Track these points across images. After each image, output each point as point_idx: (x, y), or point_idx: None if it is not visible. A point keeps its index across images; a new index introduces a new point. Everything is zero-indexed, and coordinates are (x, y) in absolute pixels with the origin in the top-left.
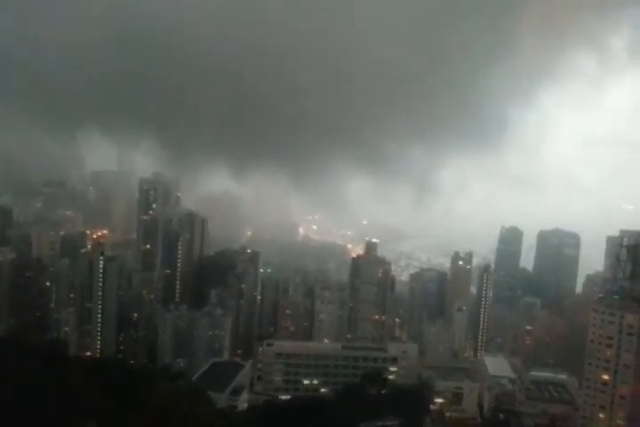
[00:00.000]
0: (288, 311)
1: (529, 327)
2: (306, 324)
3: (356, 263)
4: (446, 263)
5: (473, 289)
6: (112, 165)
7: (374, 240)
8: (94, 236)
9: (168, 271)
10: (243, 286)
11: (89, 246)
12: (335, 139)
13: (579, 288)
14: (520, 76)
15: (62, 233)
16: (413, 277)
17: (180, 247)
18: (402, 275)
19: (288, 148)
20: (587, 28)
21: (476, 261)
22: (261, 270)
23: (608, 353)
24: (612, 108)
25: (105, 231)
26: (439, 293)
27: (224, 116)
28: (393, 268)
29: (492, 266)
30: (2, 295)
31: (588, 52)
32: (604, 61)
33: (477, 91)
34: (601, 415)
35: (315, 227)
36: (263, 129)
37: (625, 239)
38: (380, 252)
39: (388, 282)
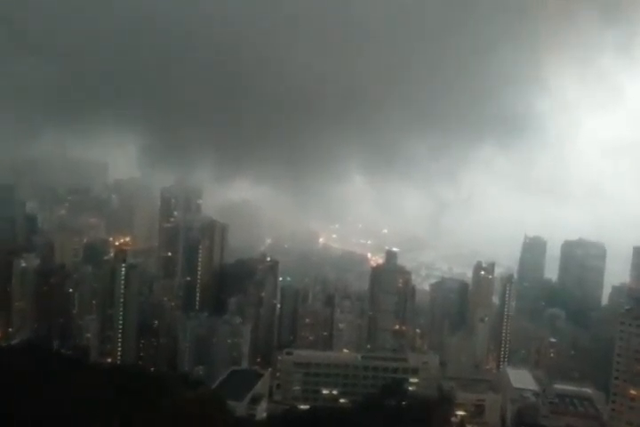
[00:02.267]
0: (307, 320)
1: (553, 340)
2: (325, 333)
3: (376, 273)
4: (468, 273)
5: (495, 300)
6: (134, 172)
7: (394, 249)
8: (117, 243)
9: (189, 279)
10: (262, 294)
11: (111, 254)
12: (343, 134)
13: (604, 300)
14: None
15: (85, 240)
16: (434, 286)
17: (200, 255)
18: (422, 284)
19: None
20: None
21: (498, 271)
22: (281, 279)
23: (637, 367)
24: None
25: (127, 239)
26: (460, 303)
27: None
28: (413, 277)
29: (515, 276)
30: (26, 301)
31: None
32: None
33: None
34: None
35: (334, 236)
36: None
37: None
38: (401, 261)
39: (408, 292)
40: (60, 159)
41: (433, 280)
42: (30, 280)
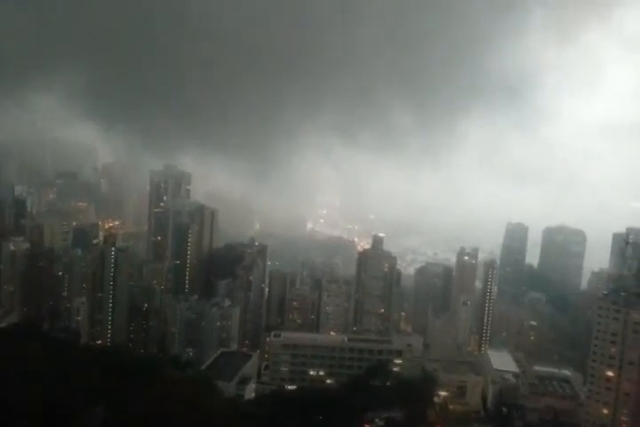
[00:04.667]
0: (295, 304)
1: (533, 323)
2: (312, 316)
3: (363, 257)
4: (452, 258)
5: (478, 284)
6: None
7: (381, 235)
8: (106, 227)
9: (178, 262)
10: (251, 278)
11: (101, 237)
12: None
13: (584, 285)
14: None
15: (74, 224)
16: (419, 271)
17: (189, 239)
18: (408, 269)
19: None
20: None
21: (481, 256)
22: (269, 263)
23: (613, 350)
24: (620, 94)
25: (117, 222)
26: (444, 287)
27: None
28: (399, 262)
29: (498, 261)
30: (15, 284)
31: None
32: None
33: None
34: (605, 411)
35: (322, 221)
36: None
37: (631, 237)
38: (387, 246)
39: (393, 276)
40: (48, 142)
41: (418, 265)
42: (19, 263)
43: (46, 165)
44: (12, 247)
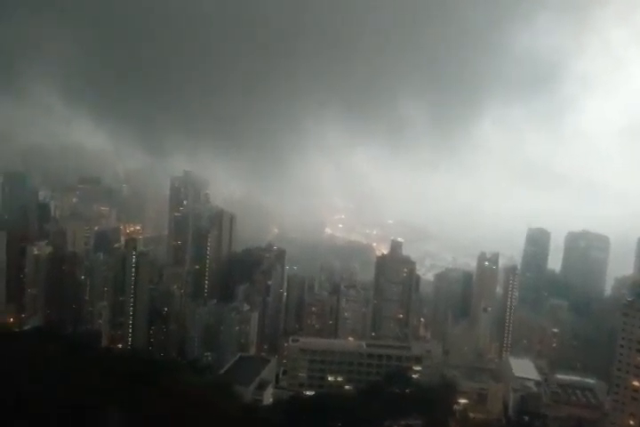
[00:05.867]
0: (313, 309)
1: (555, 330)
2: (331, 321)
3: (381, 262)
4: (472, 264)
5: (499, 290)
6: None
7: (399, 239)
8: (127, 231)
9: (197, 267)
10: (269, 282)
11: (122, 241)
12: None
13: (608, 291)
14: None
15: (96, 228)
16: (438, 276)
17: (209, 243)
18: (427, 275)
19: None
20: None
21: (502, 261)
22: (287, 268)
23: (639, 358)
24: None
25: (137, 227)
26: (464, 293)
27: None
28: (418, 267)
29: (519, 267)
30: (38, 288)
31: None
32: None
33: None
34: (631, 422)
35: (340, 225)
36: None
37: None
38: (405, 251)
39: (412, 281)
40: (71, 148)
41: (437, 270)
42: (43, 267)
43: (69, 171)
44: (36, 251)
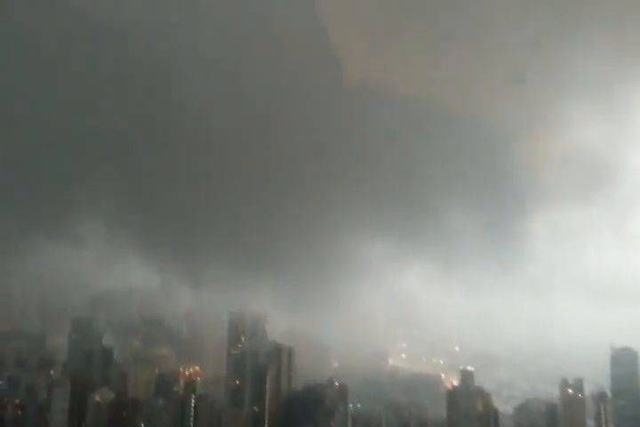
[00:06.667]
0: None
1: None
2: None
3: (452, 395)
4: (554, 392)
5: (589, 422)
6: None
7: (469, 368)
8: (187, 373)
9: (256, 409)
10: (332, 424)
11: (181, 384)
12: None
13: None
14: None
15: (157, 371)
16: (518, 409)
17: (267, 382)
18: (504, 407)
19: None
20: None
21: (588, 388)
22: (351, 406)
23: None
24: None
25: (197, 368)
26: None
27: None
28: (494, 399)
29: (609, 394)
30: None
31: None
32: None
33: None
34: None
35: (403, 355)
36: None
37: None
38: (478, 381)
39: (490, 416)
40: (134, 289)
41: (516, 402)
42: (103, 414)
43: (131, 312)
44: (98, 398)
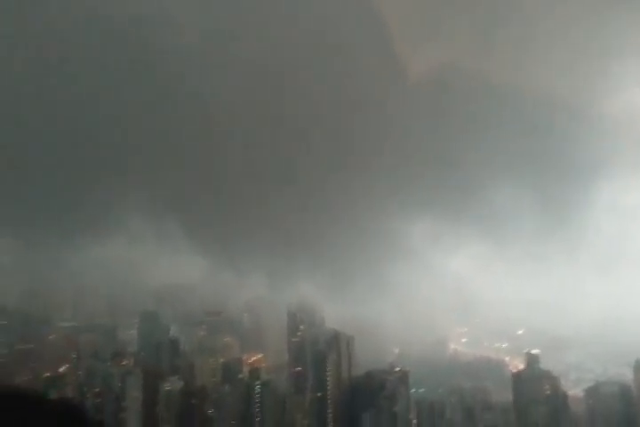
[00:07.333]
0: None
1: None
2: None
3: (518, 379)
4: (628, 374)
5: None
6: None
7: (534, 351)
8: (250, 361)
9: (319, 394)
10: (395, 409)
11: (245, 372)
12: None
13: None
14: None
15: (222, 360)
16: (589, 392)
17: (328, 368)
18: (574, 390)
19: None
20: None
21: None
22: (413, 390)
23: None
24: None
25: (260, 355)
26: (625, 410)
27: None
28: (562, 382)
29: None
30: (170, 423)
31: None
32: None
33: None
34: None
35: (464, 340)
36: None
37: None
38: (544, 364)
39: (558, 399)
40: (195, 282)
41: (586, 385)
42: (174, 402)
43: (195, 304)
44: (168, 387)
